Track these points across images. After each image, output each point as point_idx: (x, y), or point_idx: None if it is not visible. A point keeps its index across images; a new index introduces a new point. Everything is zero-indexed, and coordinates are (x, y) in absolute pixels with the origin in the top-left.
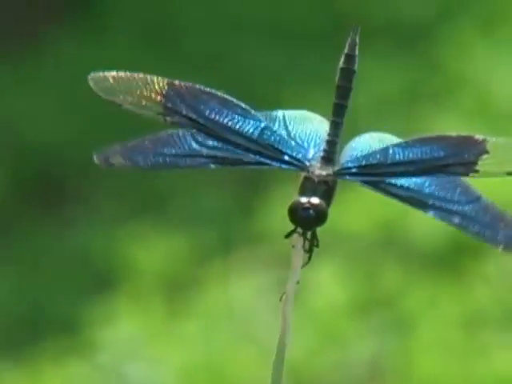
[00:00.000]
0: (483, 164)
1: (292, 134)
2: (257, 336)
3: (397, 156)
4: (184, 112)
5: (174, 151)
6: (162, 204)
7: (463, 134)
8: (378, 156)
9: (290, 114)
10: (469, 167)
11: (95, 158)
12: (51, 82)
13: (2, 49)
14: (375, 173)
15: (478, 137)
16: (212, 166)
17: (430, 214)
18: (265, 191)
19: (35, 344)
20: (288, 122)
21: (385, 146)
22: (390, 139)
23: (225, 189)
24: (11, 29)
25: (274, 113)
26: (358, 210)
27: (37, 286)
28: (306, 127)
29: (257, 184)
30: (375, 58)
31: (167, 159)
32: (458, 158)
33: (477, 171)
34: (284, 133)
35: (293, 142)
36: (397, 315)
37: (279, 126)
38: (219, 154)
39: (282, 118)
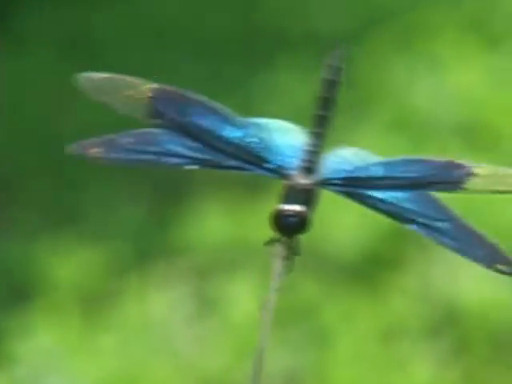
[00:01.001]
0: (470, 183)
1: (274, 143)
2: (174, 348)
3: (380, 172)
4: (169, 115)
5: (152, 149)
6: (78, 217)
7: (451, 159)
8: (362, 170)
9: (272, 122)
10: (456, 186)
11: (72, 149)
12: None
13: None
14: (358, 185)
15: (465, 163)
16: (194, 166)
17: (411, 227)
18: (180, 204)
19: None
20: (270, 131)
21: (366, 162)
22: (366, 154)
23: (140, 202)
24: None
25: (257, 120)
26: None
27: None
28: (287, 137)
29: (172, 197)
30: (293, 70)
31: (145, 156)
32: (443, 177)
33: (464, 189)
34: (266, 141)
35: (275, 151)
36: (314, 327)
37: (262, 134)
38: (198, 155)
39: (264, 126)
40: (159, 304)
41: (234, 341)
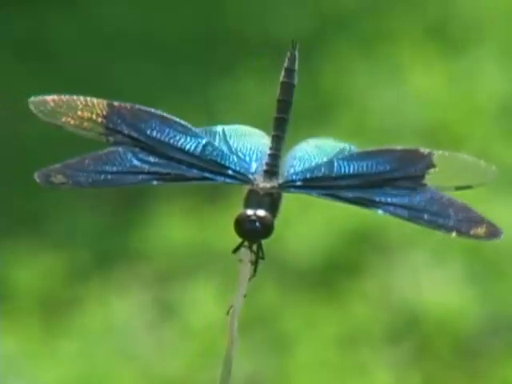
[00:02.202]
0: (430, 178)
1: (233, 149)
2: (135, 354)
3: (342, 169)
4: (125, 131)
5: (115, 169)
6: (39, 221)
7: (409, 147)
8: (323, 169)
9: (229, 128)
10: (416, 181)
11: (36, 177)
12: None
13: None
14: (320, 186)
15: (424, 150)
16: (154, 182)
17: (380, 212)
18: (141, 210)
19: None
20: (228, 137)
21: (329, 157)
22: (328, 144)
23: (102, 207)
24: None
25: (214, 128)
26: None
27: None
28: (246, 142)
29: (133, 202)
30: (253, 74)
31: (109, 177)
32: (404, 171)
33: (424, 185)
34: (225, 148)
35: (235, 157)
36: (275, 333)
37: (220, 141)
38: (161, 170)
39: (221, 133)
40: (120, 309)
41: (194, 346)
